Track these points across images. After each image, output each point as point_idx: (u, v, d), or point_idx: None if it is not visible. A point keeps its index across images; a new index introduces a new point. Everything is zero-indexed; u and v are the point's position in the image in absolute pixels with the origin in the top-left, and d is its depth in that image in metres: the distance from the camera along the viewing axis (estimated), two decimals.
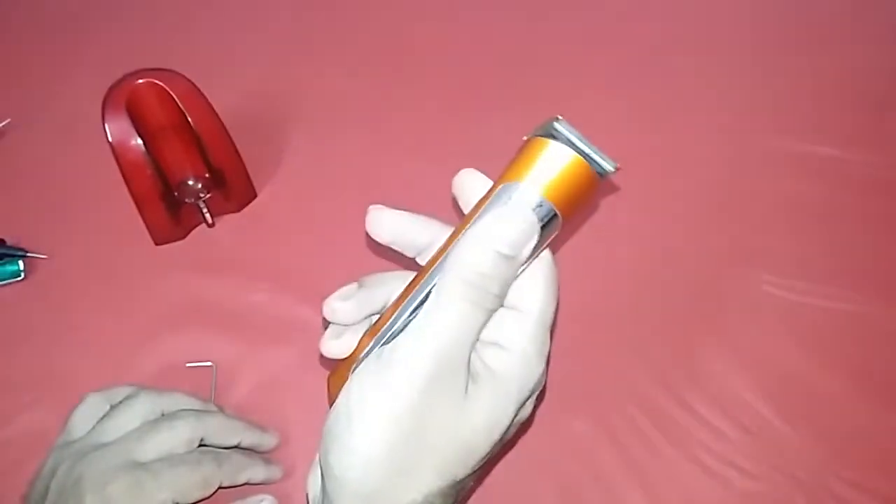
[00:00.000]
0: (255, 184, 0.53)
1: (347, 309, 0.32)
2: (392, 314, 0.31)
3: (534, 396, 0.31)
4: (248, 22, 0.65)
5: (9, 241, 0.50)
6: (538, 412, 0.45)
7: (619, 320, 0.49)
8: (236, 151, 0.50)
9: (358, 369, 0.30)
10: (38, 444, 0.42)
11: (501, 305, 0.30)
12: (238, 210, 0.53)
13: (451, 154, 0.56)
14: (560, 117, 0.29)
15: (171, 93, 0.47)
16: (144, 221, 0.50)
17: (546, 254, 0.31)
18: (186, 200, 0.48)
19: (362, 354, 0.31)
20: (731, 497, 0.43)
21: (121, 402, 0.41)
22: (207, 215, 0.51)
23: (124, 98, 0.47)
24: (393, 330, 0.30)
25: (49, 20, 0.65)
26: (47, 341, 0.48)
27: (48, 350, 0.48)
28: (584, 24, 0.64)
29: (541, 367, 0.31)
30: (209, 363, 0.47)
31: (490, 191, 0.30)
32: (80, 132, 0.53)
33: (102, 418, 0.41)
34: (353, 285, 0.32)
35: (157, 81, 0.47)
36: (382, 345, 0.30)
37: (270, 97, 0.59)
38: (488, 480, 0.43)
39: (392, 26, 0.64)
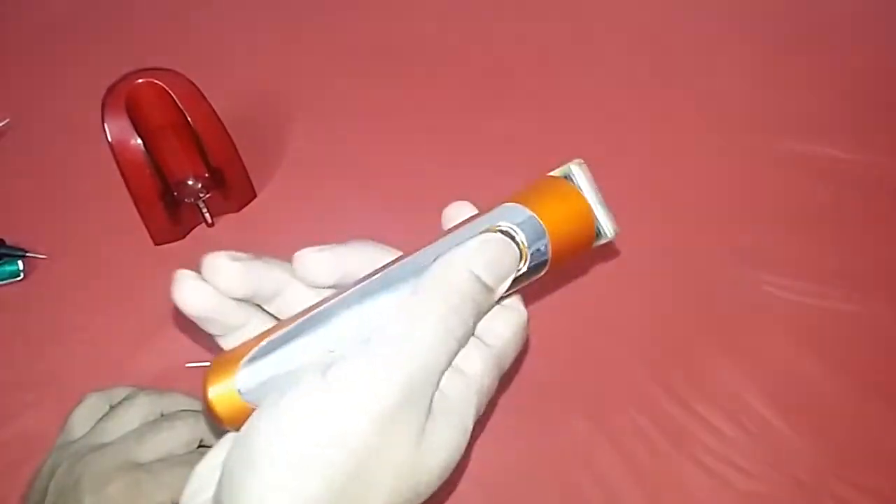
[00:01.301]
0: (254, 184, 0.53)
1: (322, 260, 0.28)
2: (298, 320, 0.27)
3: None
4: (248, 22, 0.65)
5: (8, 241, 0.50)
6: (539, 412, 0.45)
7: (618, 320, 0.49)
8: (236, 151, 0.50)
9: (287, 392, 0.24)
10: (37, 444, 0.42)
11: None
12: (238, 210, 0.53)
13: (452, 153, 0.56)
14: (581, 161, 0.29)
15: (171, 92, 0.47)
16: (144, 221, 0.50)
17: (518, 301, 0.30)
18: (186, 200, 0.48)
19: (249, 356, 0.26)
20: (731, 497, 0.43)
21: (120, 403, 0.41)
22: (207, 215, 0.51)
23: (124, 98, 0.47)
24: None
25: (49, 20, 0.65)
26: (47, 341, 0.48)
27: (48, 350, 0.48)
28: (584, 24, 0.64)
29: (484, 405, 0.28)
30: (209, 363, 0.47)
31: (492, 208, 0.28)
32: (79, 132, 0.53)
33: (102, 419, 0.41)
34: (329, 245, 0.29)
35: (156, 81, 0.47)
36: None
37: (270, 97, 0.59)
38: (488, 480, 0.43)
39: (392, 26, 0.64)
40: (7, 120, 0.57)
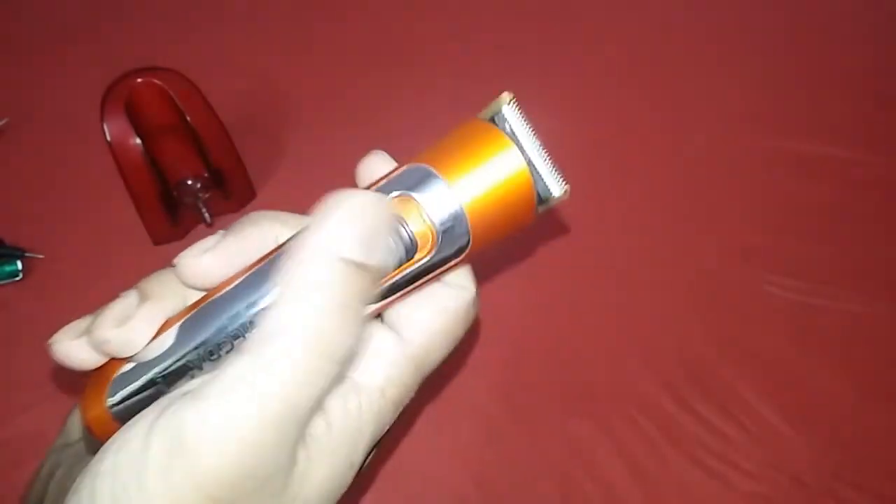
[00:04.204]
0: (254, 184, 0.53)
1: (212, 265, 0.22)
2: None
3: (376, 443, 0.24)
4: (248, 22, 0.64)
5: (7, 241, 0.50)
6: (539, 412, 0.45)
7: (619, 320, 0.48)
8: (235, 151, 0.50)
9: (110, 447, 0.20)
10: (37, 444, 0.42)
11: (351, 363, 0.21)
12: (237, 210, 0.53)
13: None
14: (512, 96, 0.21)
15: (170, 92, 0.47)
16: (143, 221, 0.50)
17: (464, 276, 0.23)
18: (185, 200, 0.48)
19: (121, 371, 0.23)
20: (731, 497, 0.43)
21: None
22: (206, 215, 0.51)
23: (123, 97, 0.47)
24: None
25: (48, 19, 0.65)
26: (46, 341, 0.48)
27: (47, 350, 0.48)
28: (584, 23, 0.64)
29: (394, 417, 0.23)
30: None
31: (393, 171, 0.21)
32: (78, 131, 0.53)
33: None
34: (217, 235, 0.23)
35: (156, 81, 0.47)
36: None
37: (270, 97, 0.59)
38: (488, 480, 0.43)
39: (393, 26, 0.64)
40: (6, 119, 0.56)
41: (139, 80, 0.47)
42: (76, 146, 0.55)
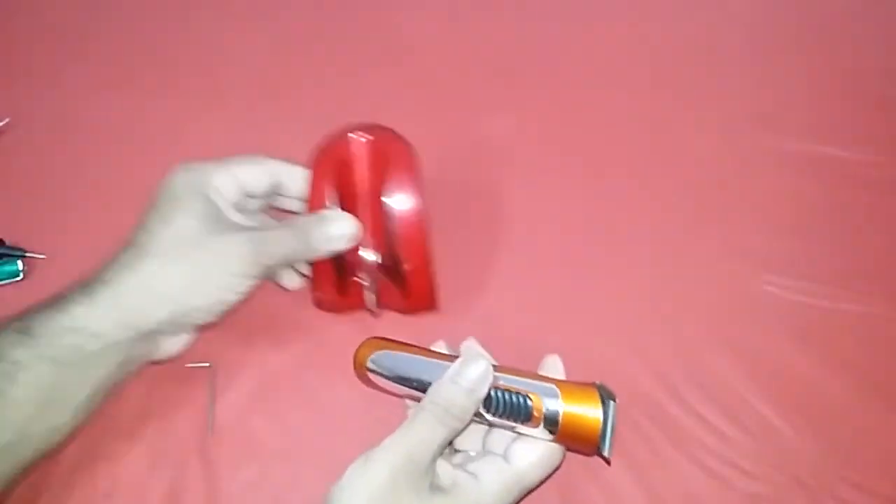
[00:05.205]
0: None
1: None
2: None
3: None
4: (248, 22, 0.64)
5: (7, 242, 0.50)
6: None
7: (618, 320, 0.48)
8: (428, 250, 0.44)
9: (352, 465, 0.36)
10: None
11: (463, 427, 0.37)
12: (408, 313, 0.47)
13: (451, 153, 0.56)
14: (616, 400, 0.38)
15: (381, 152, 0.44)
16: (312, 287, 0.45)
17: (558, 449, 0.39)
18: (353, 271, 0.44)
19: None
20: (732, 498, 0.43)
21: None
22: (373, 301, 0.46)
23: (338, 154, 0.44)
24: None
25: (49, 19, 0.65)
26: None
27: None
28: (583, 22, 0.64)
29: None
30: (208, 364, 0.47)
31: (545, 378, 0.39)
32: (79, 132, 0.53)
33: None
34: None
35: (369, 138, 0.45)
36: None
37: (271, 98, 0.59)
38: None
39: (391, 26, 0.64)
40: (7, 119, 0.56)
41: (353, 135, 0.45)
42: (77, 146, 0.55)
